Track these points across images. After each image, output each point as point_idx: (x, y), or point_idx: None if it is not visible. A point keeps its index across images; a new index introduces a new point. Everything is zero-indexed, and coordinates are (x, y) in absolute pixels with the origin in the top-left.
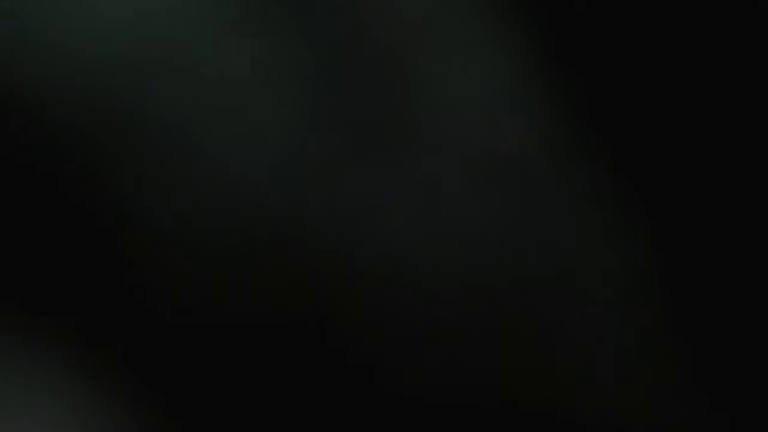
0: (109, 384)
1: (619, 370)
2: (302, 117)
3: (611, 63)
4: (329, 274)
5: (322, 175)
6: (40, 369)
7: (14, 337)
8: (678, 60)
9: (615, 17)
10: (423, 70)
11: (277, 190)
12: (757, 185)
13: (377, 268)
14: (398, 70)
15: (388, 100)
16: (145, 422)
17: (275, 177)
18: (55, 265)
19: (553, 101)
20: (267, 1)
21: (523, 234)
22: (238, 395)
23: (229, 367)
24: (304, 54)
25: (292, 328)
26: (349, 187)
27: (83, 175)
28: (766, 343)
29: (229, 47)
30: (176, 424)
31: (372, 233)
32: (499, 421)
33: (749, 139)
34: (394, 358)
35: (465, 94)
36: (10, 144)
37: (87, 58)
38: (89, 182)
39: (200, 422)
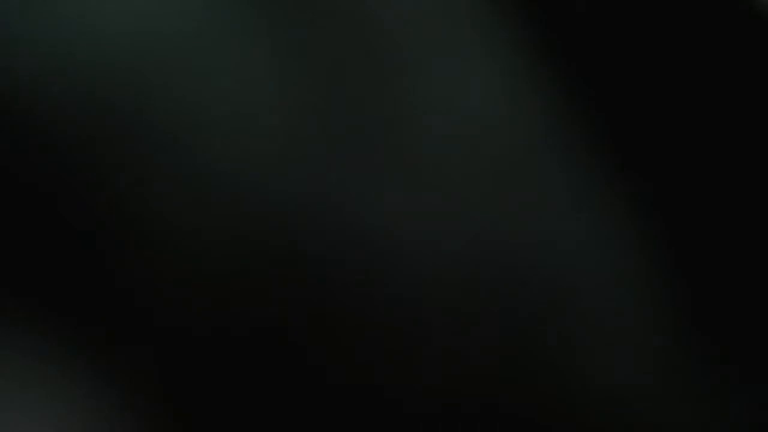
0: (108, 385)
1: (620, 370)
2: (303, 118)
3: (613, 63)
4: (328, 270)
5: (323, 176)
6: (40, 369)
7: (14, 337)
8: (679, 61)
9: (616, 18)
10: (423, 69)
11: (278, 190)
12: (759, 184)
13: (376, 267)
14: (399, 69)
15: (389, 99)
16: (144, 423)
17: (276, 176)
18: (54, 265)
19: (554, 101)
20: (266, 2)
21: (523, 233)
22: (238, 396)
23: (229, 366)
24: (303, 54)
25: (292, 326)
26: (349, 187)
27: (82, 175)
28: None
29: (228, 47)
30: (176, 424)
31: (372, 231)
32: (498, 423)
33: (751, 138)
34: (392, 356)
35: (465, 94)
36: (8, 144)
37: (85, 59)
38: (88, 183)
39: (201, 423)
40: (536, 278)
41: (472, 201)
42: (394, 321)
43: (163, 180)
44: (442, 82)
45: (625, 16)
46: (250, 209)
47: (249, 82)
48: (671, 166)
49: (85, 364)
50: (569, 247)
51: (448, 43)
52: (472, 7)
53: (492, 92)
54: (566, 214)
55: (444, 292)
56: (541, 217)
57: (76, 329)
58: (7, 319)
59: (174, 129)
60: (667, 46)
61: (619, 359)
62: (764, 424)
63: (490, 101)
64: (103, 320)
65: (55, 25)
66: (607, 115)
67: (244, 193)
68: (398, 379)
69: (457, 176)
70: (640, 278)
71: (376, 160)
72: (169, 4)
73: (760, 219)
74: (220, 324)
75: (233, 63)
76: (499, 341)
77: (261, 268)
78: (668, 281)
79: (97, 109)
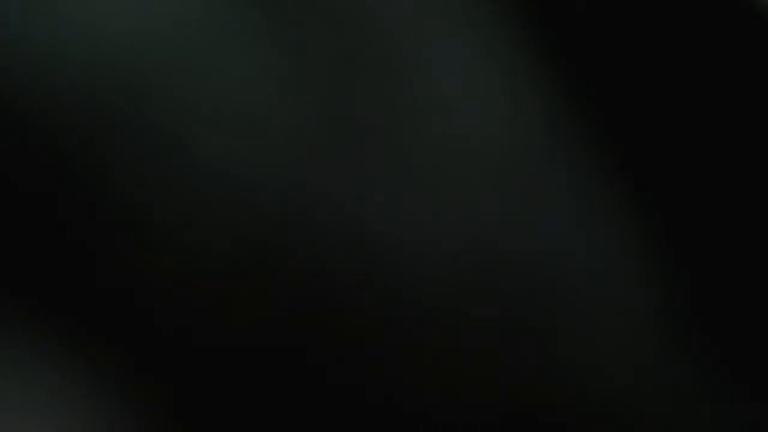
0: (108, 385)
1: (620, 370)
2: (303, 118)
3: (613, 63)
4: (328, 270)
5: (323, 176)
6: (40, 369)
7: (14, 337)
8: (679, 61)
9: (616, 18)
10: (423, 69)
11: (278, 190)
12: (759, 184)
13: (376, 267)
14: (399, 69)
15: (389, 99)
16: (144, 423)
17: (275, 176)
18: (54, 265)
19: (554, 101)
20: (266, 2)
21: (523, 233)
22: (238, 396)
23: (228, 365)
24: (303, 54)
25: (292, 326)
26: (349, 187)
27: (82, 175)
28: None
29: (228, 47)
30: (176, 424)
31: (372, 231)
32: (498, 423)
33: (750, 138)
34: (391, 356)
35: (465, 94)
36: (8, 144)
37: (85, 59)
38: (88, 183)
39: (201, 423)
40: (536, 278)
41: (472, 201)
42: (394, 321)
43: (163, 180)
44: (442, 82)
45: (625, 16)
46: (249, 209)
47: (249, 82)
48: (671, 166)
49: (85, 364)
50: (569, 246)
51: (448, 43)
52: (472, 7)
53: (492, 92)
54: (566, 214)
55: (444, 292)
56: (540, 217)
57: (76, 329)
58: (7, 319)
59: (174, 129)
60: (667, 46)
61: (619, 359)
62: (764, 424)
63: (490, 101)
64: (103, 320)
65: (55, 25)
66: (608, 115)
67: (244, 193)
68: (398, 378)
69: (457, 176)
70: (639, 278)
71: (376, 160)
72: (169, 4)
73: (760, 219)
74: (219, 324)
75: (233, 63)
76: (498, 341)
77: (261, 268)
78: (668, 281)
79: (97, 109)
